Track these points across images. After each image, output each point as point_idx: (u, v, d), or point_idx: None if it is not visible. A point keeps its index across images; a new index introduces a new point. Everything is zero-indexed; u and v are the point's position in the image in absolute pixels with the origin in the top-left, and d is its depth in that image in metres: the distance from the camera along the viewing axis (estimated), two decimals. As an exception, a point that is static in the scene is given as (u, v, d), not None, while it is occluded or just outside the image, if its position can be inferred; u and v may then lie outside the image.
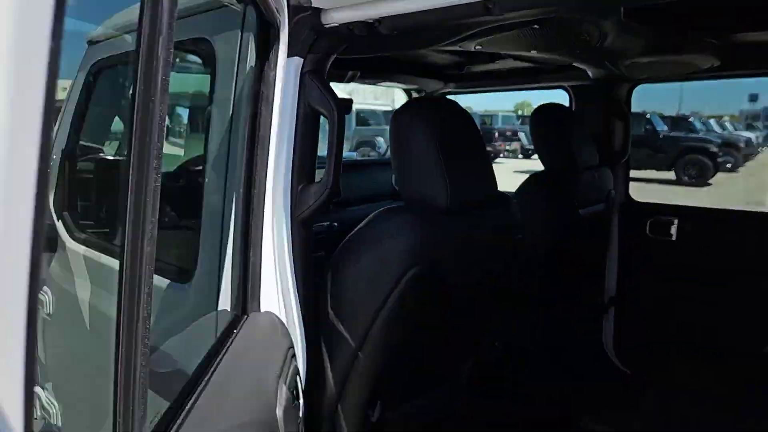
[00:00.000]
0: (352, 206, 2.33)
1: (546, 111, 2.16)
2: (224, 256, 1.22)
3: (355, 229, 1.36)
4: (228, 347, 0.96)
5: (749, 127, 20.06)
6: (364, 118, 15.40)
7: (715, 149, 12.21)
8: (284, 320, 1.20)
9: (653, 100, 14.19)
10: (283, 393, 0.90)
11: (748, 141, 14.33)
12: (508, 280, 1.65)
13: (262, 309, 1.20)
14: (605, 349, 2.65)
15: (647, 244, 2.48)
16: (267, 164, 1.17)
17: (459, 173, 1.37)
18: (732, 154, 13.41)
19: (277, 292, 1.19)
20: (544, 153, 2.16)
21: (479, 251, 1.49)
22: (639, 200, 2.62)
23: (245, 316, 1.15)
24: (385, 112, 15.31)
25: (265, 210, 1.18)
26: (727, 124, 16.80)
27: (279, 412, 0.87)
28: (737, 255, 2.24)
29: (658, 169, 11.65)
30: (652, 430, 2.03)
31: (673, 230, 2.40)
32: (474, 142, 1.49)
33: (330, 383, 1.36)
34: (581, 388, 2.25)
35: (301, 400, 1.05)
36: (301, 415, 1.04)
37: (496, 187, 1.53)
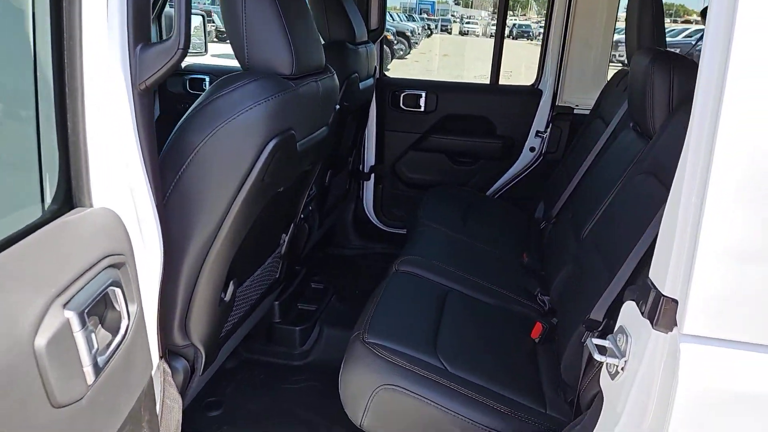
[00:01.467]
0: None
1: None
2: (41, 138, 0.92)
3: (200, 102, 1.18)
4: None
5: (410, 18, 23.08)
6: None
7: (391, 37, 13.71)
8: (133, 214, 1.00)
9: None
10: (57, 318, 0.73)
11: (413, 30, 16.77)
12: (330, 146, 1.68)
13: (98, 203, 0.97)
14: (366, 211, 2.97)
15: (402, 115, 2.78)
16: (82, 17, 0.88)
17: (299, 38, 1.30)
18: (403, 42, 15.46)
19: (123, 184, 0.97)
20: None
21: (317, 118, 1.47)
22: (391, 76, 2.87)
23: (64, 214, 0.89)
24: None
25: (89, 77, 0.91)
26: (394, 15, 18.99)
27: (39, 341, 0.70)
28: (477, 118, 2.73)
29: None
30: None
31: (422, 102, 2.74)
32: (303, 8, 1.40)
33: (184, 278, 1.22)
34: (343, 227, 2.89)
35: (124, 322, 0.88)
36: (118, 338, 0.87)
37: (323, 55, 1.50)
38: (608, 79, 2.44)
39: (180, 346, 1.29)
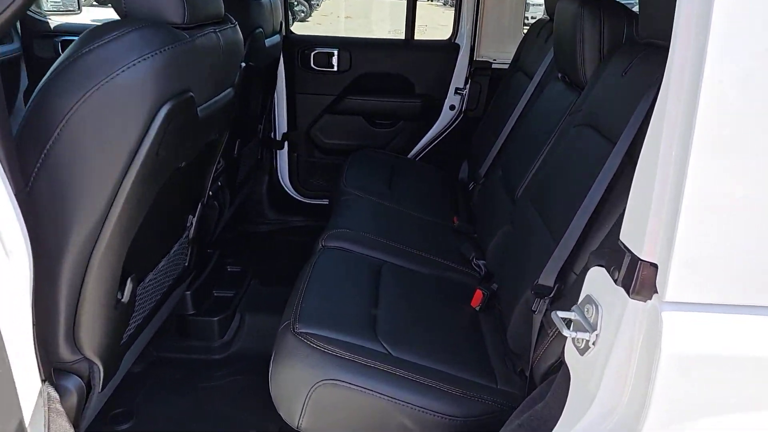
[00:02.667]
0: None
1: None
2: None
3: (66, 57, 0.92)
4: None
5: (310, -21, 22.26)
6: None
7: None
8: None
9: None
10: None
11: None
12: (236, 111, 1.46)
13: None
14: (281, 182, 2.75)
15: (314, 76, 2.56)
16: None
17: None
18: (303, 4, 14.87)
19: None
20: None
21: (220, 78, 1.25)
22: (298, 33, 2.63)
23: None
24: None
25: None
26: (294, -25, 18.20)
27: None
28: (394, 76, 2.56)
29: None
30: None
31: (335, 61, 2.53)
32: None
33: (65, 281, 0.99)
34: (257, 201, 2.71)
35: None
36: None
37: (221, 2, 1.26)
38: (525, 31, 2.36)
39: (69, 362, 1.06)
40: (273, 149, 2.67)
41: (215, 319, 1.82)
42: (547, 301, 1.14)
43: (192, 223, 1.52)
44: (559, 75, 1.72)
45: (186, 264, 1.58)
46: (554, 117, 1.61)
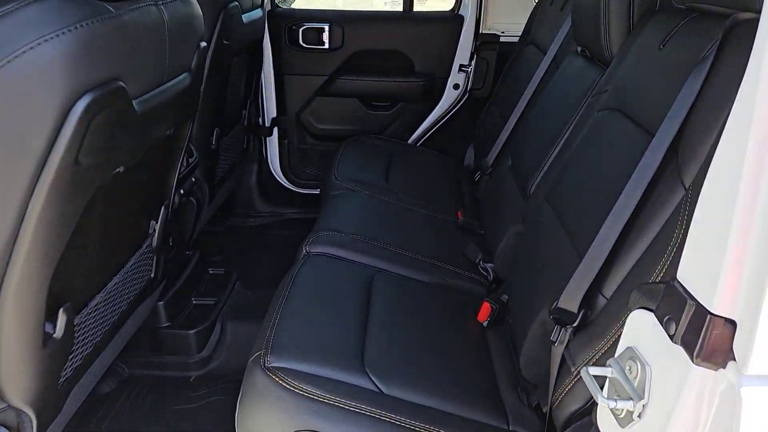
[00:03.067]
0: None
1: None
2: None
3: None
4: None
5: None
6: None
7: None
8: None
9: None
10: None
11: None
12: (193, 97, 1.24)
13: None
14: (272, 171, 2.54)
15: (304, 55, 2.33)
16: None
17: None
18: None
19: None
20: None
21: (166, 61, 1.03)
22: (283, 6, 2.39)
23: None
24: None
25: None
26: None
27: None
28: (392, 53, 2.32)
29: None
30: None
31: (326, 38, 2.30)
32: None
33: None
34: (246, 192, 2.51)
35: None
36: None
37: None
38: (537, -1, 2.11)
39: None
40: (261, 137, 2.46)
41: (191, 331, 1.63)
42: (569, 331, 0.93)
43: (155, 230, 1.32)
44: (579, 49, 1.49)
45: (152, 275, 1.39)
46: (573, 98, 1.38)
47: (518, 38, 2.12)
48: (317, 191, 2.45)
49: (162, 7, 0.99)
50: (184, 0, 1.09)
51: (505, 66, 2.17)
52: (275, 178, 2.57)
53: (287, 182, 2.57)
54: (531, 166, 1.44)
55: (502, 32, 2.33)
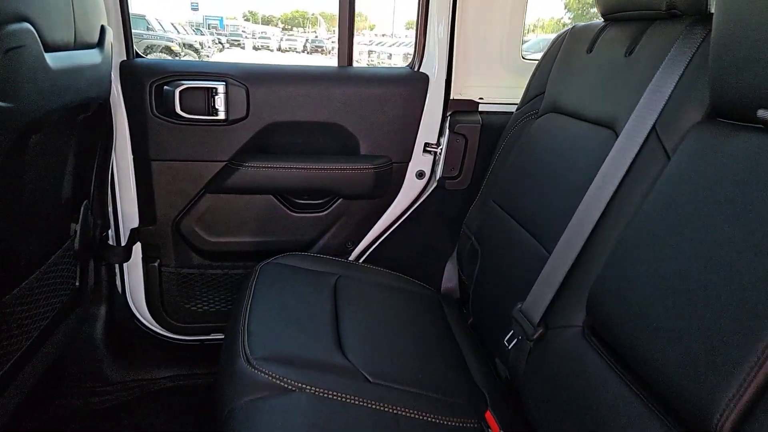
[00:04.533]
0: None
1: None
2: None
3: None
4: None
5: (198, 32, 21.48)
6: None
7: (177, 48, 12.10)
8: None
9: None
10: None
11: (202, 43, 15.37)
12: None
13: None
14: (133, 312, 1.58)
15: (184, 130, 1.46)
16: None
17: None
18: (192, 55, 13.88)
19: None
20: None
21: (66, 18, 0.86)
22: (147, 56, 1.52)
23: None
24: None
25: None
26: (179, 28, 17.20)
27: None
28: (325, 127, 1.54)
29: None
30: None
31: (220, 103, 1.45)
32: None
33: None
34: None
35: None
36: None
37: None
38: (548, 47, 1.44)
39: None
40: (112, 262, 1.51)
41: None
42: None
43: (76, 231, 1.19)
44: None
45: (76, 284, 1.20)
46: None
47: (517, 106, 1.42)
48: (212, 337, 1.58)
49: None
50: None
51: (500, 143, 1.45)
52: (139, 323, 1.60)
53: (159, 327, 1.61)
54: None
55: (480, 98, 1.63)
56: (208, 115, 1.45)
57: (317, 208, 1.62)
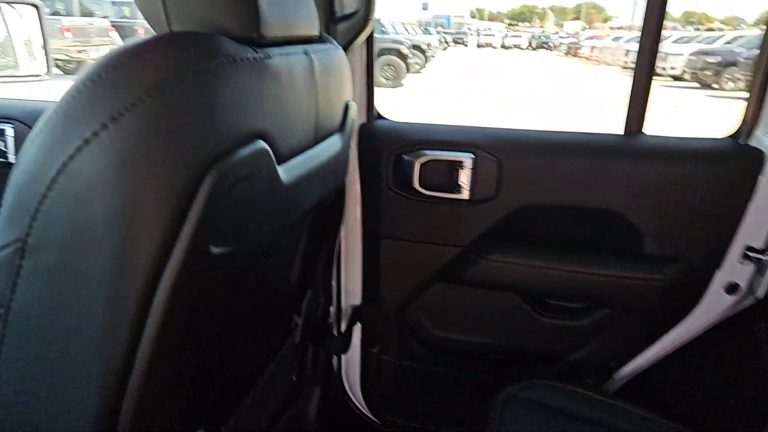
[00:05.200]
0: None
1: None
2: None
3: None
4: None
5: (426, 32, 22.15)
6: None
7: (406, 51, 12.27)
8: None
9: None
10: None
11: (429, 44, 15.56)
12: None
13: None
14: (349, 396, 1.42)
15: (419, 207, 1.23)
16: None
17: None
18: (419, 56, 14.09)
19: None
20: None
21: (308, 114, 0.70)
22: (392, 119, 1.32)
23: None
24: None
25: None
26: (410, 28, 17.85)
27: None
28: (599, 215, 1.15)
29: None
30: None
31: (465, 179, 1.18)
32: None
33: None
34: None
35: None
36: None
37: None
38: None
39: None
40: (329, 352, 1.36)
41: None
42: None
43: (298, 324, 1.04)
44: None
45: (294, 379, 1.06)
46: None
47: None
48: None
49: (312, 55, 0.71)
50: (336, 49, 0.80)
51: None
52: (353, 408, 1.44)
53: (372, 416, 1.43)
54: None
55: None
56: (449, 192, 1.19)
57: (574, 314, 1.25)
